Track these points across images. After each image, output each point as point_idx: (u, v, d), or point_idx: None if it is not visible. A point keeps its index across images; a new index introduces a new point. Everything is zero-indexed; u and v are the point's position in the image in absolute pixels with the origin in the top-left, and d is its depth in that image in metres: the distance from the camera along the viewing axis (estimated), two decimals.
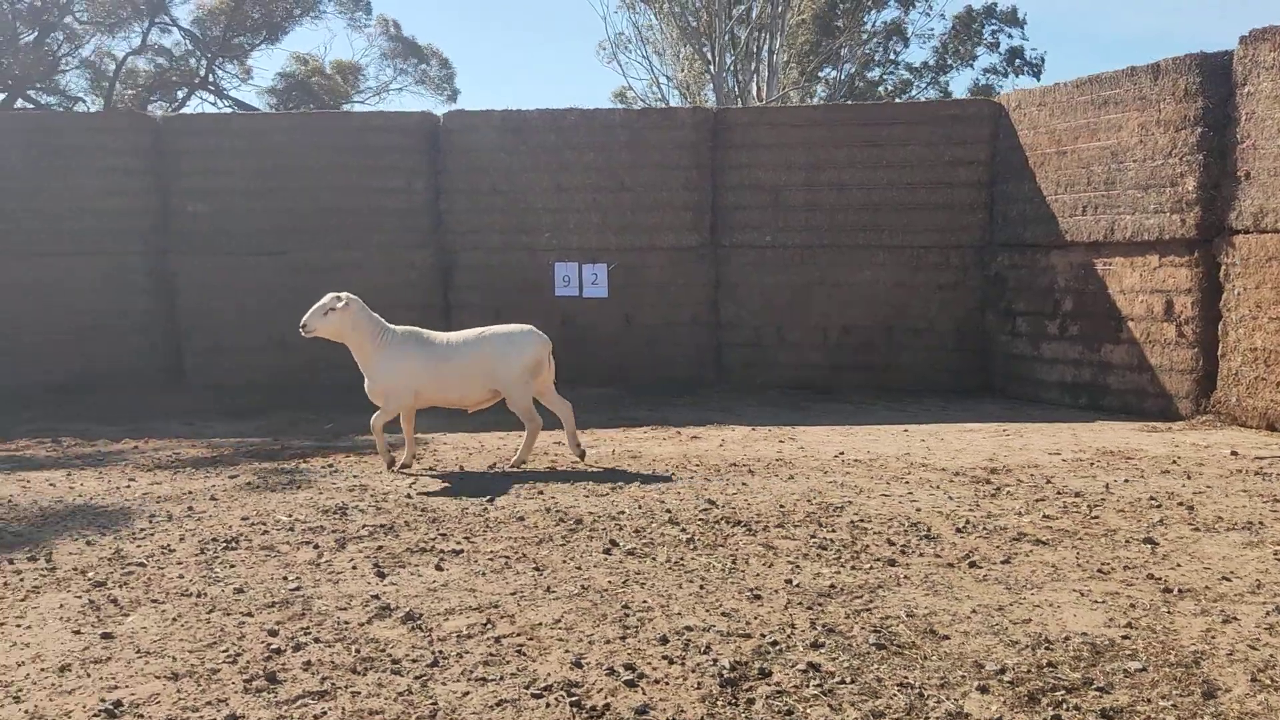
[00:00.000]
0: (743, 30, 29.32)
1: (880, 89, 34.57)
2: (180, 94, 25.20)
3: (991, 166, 11.37)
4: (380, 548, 5.16)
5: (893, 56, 35.30)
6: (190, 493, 6.58)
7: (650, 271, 12.14)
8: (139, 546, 5.28)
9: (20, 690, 3.52)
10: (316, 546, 5.20)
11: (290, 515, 5.88)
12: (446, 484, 6.81)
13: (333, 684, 3.51)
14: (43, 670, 3.70)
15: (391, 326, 7.44)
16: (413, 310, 12.20)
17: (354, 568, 4.83)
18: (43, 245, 11.87)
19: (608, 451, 8.08)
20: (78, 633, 4.05)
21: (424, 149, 12.21)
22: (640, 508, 5.94)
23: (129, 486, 6.83)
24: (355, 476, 7.11)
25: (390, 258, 12.18)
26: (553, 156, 12.06)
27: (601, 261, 12.13)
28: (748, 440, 8.59)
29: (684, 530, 5.39)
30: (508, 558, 4.96)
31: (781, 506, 5.95)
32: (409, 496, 6.40)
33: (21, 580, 4.73)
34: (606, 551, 5.02)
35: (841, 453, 7.83)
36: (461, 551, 5.06)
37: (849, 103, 11.94)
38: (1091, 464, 7.24)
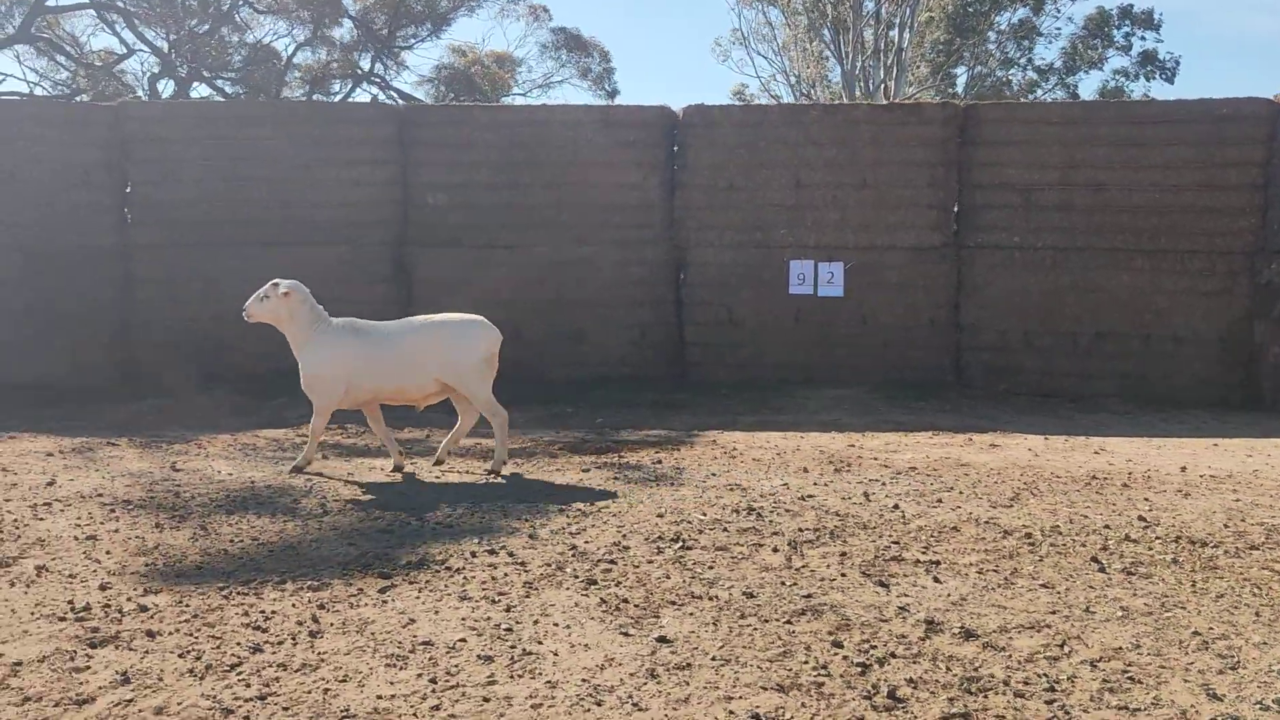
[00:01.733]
0: (869, 29, 28.80)
1: (1004, 90, 33.83)
2: (337, 86, 25.61)
3: (1267, 169, 10.86)
4: (844, 555, 4.96)
5: (1029, 57, 34.53)
6: (568, 485, 6.47)
7: (889, 271, 11.83)
8: (586, 541, 5.16)
9: (637, 699, 3.38)
10: (776, 550, 5.03)
11: (704, 514, 5.73)
12: (816, 485, 6.56)
13: (964, 705, 3.31)
14: (632, 675, 3.56)
15: (331, 318, 7.18)
16: (643, 306, 12.15)
17: (843, 574, 4.64)
18: (288, 234, 11.97)
19: (920, 457, 7.79)
20: (626, 634, 3.92)
21: (660, 143, 12.08)
22: (1074, 521, 5.66)
23: (502, 478, 6.80)
24: (715, 475, 6.90)
25: (623, 253, 12.07)
26: (792, 152, 11.83)
27: (838, 260, 11.87)
28: (1060, 451, 8.26)
29: (1168, 547, 5.12)
30: (991, 570, 4.73)
31: (1226, 525, 5.63)
32: (803, 498, 6.16)
33: (509, 576, 4.63)
34: (1101, 568, 4.77)
35: (1184, 467, 7.47)
36: (939, 562, 4.85)
37: (1110, 100, 11.38)
38: None
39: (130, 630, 4.00)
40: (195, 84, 22.50)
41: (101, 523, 5.57)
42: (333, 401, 7.07)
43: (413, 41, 24.61)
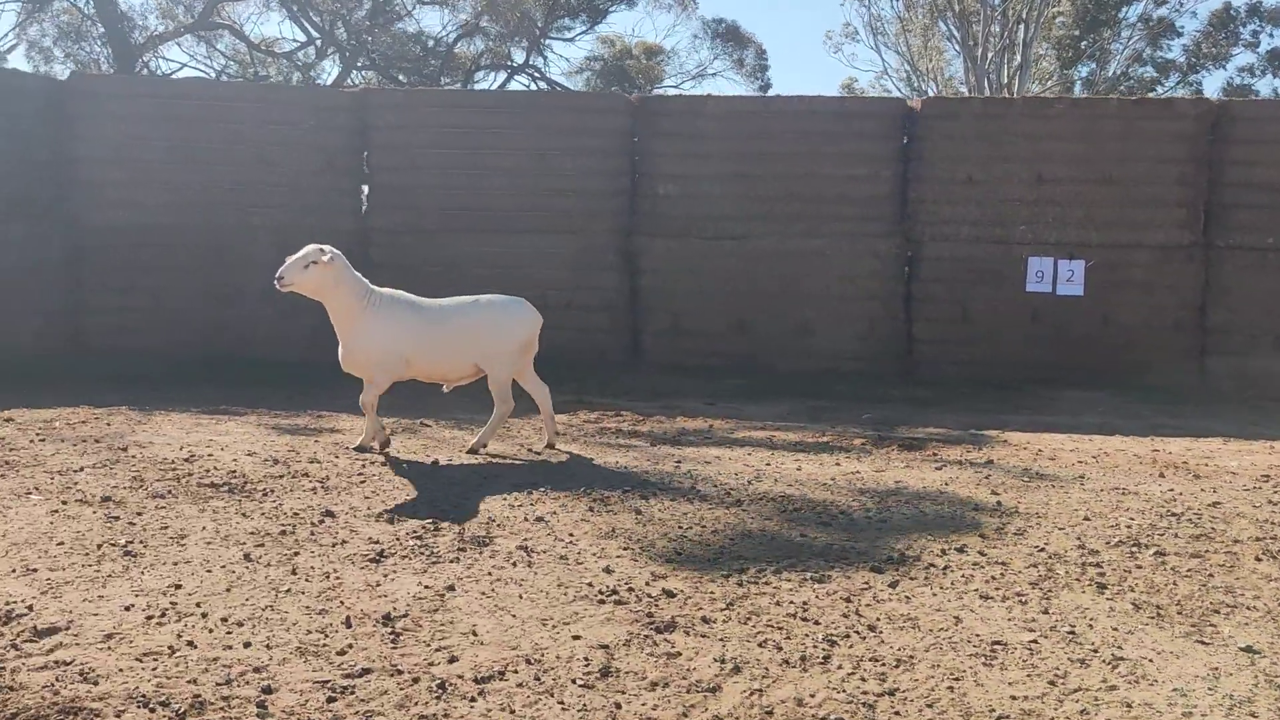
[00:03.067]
0: (995, 22, 28.12)
1: (1121, 87, 32.84)
2: (487, 75, 25.79)
3: None
4: None
5: (1162, 51, 33.51)
6: (940, 486, 6.37)
7: (1134, 270, 11.57)
8: (1046, 544, 5.05)
9: None
10: (1259, 558, 4.89)
11: (1130, 519, 5.59)
12: (1204, 491, 6.38)
13: None
14: (1254, 687, 3.46)
15: (376, 288, 6.86)
16: (873, 300, 12.01)
17: None
18: (521, 223, 12.06)
19: (1258, 463, 7.52)
20: (1203, 643, 3.81)
21: (894, 135, 11.94)
22: None
23: (851, 469, 6.74)
24: (1084, 478, 6.72)
25: (854, 246, 11.95)
26: (1034, 146, 11.62)
27: (1079, 258, 11.62)
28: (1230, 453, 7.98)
29: None
30: None
31: None
32: (1211, 505, 5.97)
33: (1005, 576, 4.55)
34: None
35: None
36: None
37: None
38: None
39: (686, 617, 4.00)
40: (364, 72, 22.82)
41: (534, 504, 5.61)
42: (393, 377, 6.82)
43: (568, 34, 24.86)
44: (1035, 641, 3.83)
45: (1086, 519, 5.55)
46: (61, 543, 4.68)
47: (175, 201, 11.83)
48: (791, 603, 4.17)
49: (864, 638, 3.85)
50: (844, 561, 4.70)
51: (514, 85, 25.89)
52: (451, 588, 4.25)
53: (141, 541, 4.75)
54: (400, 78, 24.79)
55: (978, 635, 3.88)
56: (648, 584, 4.34)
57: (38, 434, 7.21)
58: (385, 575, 4.39)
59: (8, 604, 3.92)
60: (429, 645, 3.67)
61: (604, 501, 5.69)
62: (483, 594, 4.19)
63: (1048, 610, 4.15)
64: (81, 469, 6.13)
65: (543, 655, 3.60)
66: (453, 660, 3.56)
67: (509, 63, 25.68)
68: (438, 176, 12.06)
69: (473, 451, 7.01)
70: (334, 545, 4.78)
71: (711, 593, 4.26)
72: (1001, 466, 7.09)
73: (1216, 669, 3.63)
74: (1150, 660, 3.69)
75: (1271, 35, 32.39)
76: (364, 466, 6.48)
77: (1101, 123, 11.51)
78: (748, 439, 8.09)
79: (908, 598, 4.27)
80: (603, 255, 12.18)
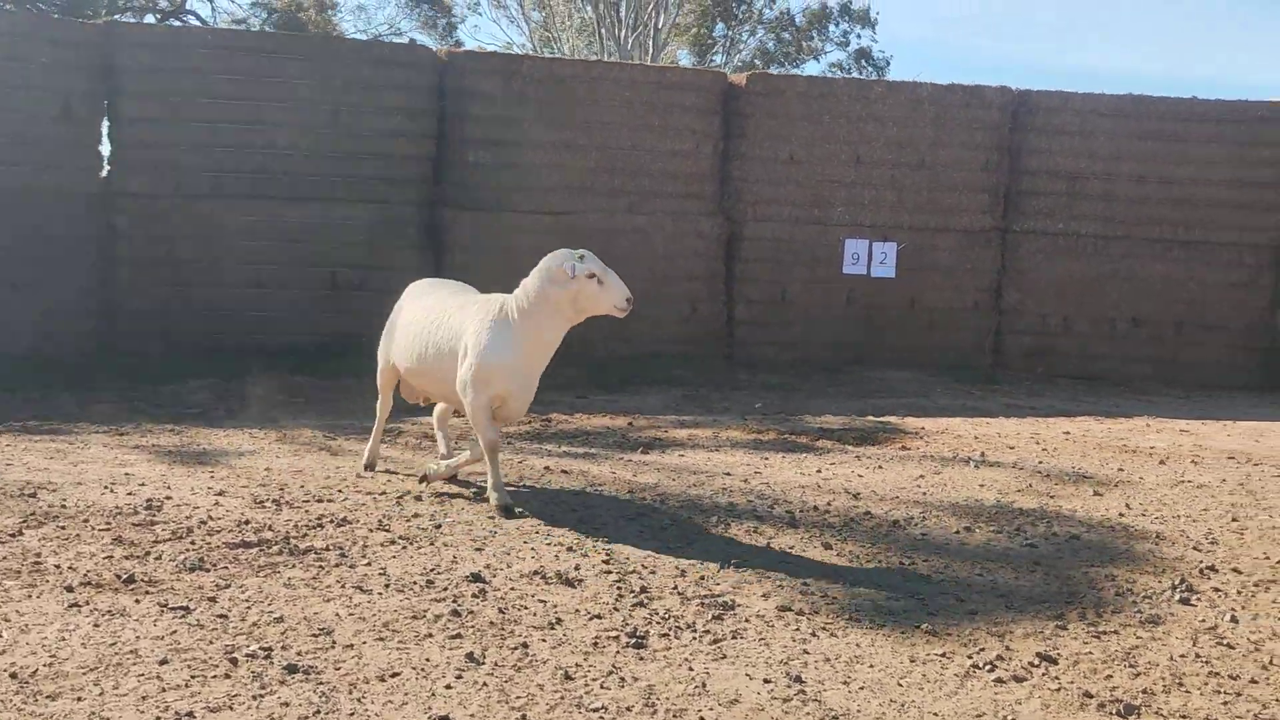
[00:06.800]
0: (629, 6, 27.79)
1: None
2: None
3: None
4: None
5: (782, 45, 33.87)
6: (986, 498, 5.89)
7: (940, 254, 11.81)
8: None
9: None
10: None
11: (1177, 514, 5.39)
12: (1187, 480, 6.33)
13: None
14: None
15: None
16: (696, 281, 11.51)
17: None
18: (309, 190, 10.38)
19: (1161, 444, 7.72)
20: None
21: (716, 109, 11.40)
22: None
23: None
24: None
25: (677, 224, 11.34)
26: (855, 128, 11.52)
27: (892, 240, 11.70)
28: (1224, 435, 8.53)
29: None
30: None
31: None
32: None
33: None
34: None
35: None
36: None
37: (1157, 95, 11.80)
38: None
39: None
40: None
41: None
42: None
43: None
44: None
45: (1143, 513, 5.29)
46: (164, 661, 3.19)
47: None
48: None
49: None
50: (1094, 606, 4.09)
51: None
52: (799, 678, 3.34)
53: (265, 647, 3.36)
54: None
55: None
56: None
57: None
58: (677, 664, 3.42)
59: None
60: None
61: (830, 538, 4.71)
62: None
63: None
64: (17, 534, 4.40)
65: None
66: None
67: (154, 4, 22.37)
68: (205, 132, 10.09)
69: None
70: (548, 626, 3.64)
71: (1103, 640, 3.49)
72: (996, 462, 6.83)
73: None
74: None
75: (860, 36, 33.60)
76: (399, 504, 5.13)
77: (918, 106, 11.59)
78: (695, 440, 7.33)
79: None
80: (404, 229, 10.75)
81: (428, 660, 3.39)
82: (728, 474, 6.34)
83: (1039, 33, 61.12)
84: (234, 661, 3.30)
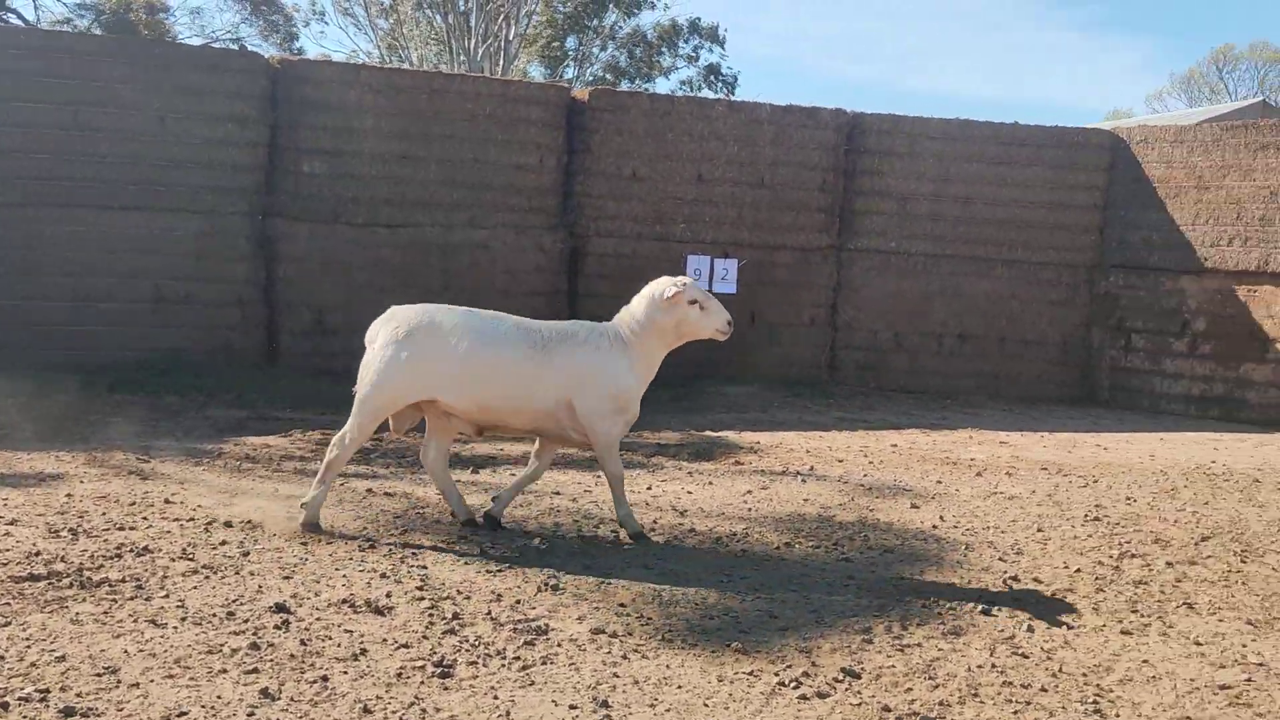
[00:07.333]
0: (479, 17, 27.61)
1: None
2: None
3: (1108, 193, 12.32)
4: None
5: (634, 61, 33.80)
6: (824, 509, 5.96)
7: (778, 270, 12.08)
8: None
9: None
10: None
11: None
12: (1040, 491, 6.56)
13: None
14: None
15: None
16: (539, 297, 11.47)
17: None
18: (132, 198, 9.94)
19: (980, 456, 8.04)
20: None
21: (559, 124, 11.42)
22: None
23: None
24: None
25: (519, 239, 11.31)
26: (697, 146, 11.70)
27: (733, 257, 11.91)
28: (1050, 447, 8.95)
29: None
30: None
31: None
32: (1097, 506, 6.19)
33: None
34: None
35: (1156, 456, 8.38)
36: None
37: (984, 120, 12.34)
38: None
39: None
40: None
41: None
42: None
43: None
44: None
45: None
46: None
47: None
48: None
49: None
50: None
51: None
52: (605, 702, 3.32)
53: (41, 689, 3.26)
54: None
55: None
56: None
57: None
58: (482, 693, 3.37)
59: None
60: None
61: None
62: None
63: None
64: None
65: None
66: None
67: None
68: (19, 137, 9.58)
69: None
70: (352, 657, 3.57)
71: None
72: (823, 476, 6.97)
73: None
74: None
75: (710, 51, 33.89)
76: (207, 531, 4.88)
77: (758, 127, 11.84)
78: (528, 458, 7.20)
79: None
80: (233, 240, 10.40)
81: (219, 698, 3.25)
82: (557, 493, 6.33)
83: (881, 54, 63.56)
84: (4, 706, 3.10)
